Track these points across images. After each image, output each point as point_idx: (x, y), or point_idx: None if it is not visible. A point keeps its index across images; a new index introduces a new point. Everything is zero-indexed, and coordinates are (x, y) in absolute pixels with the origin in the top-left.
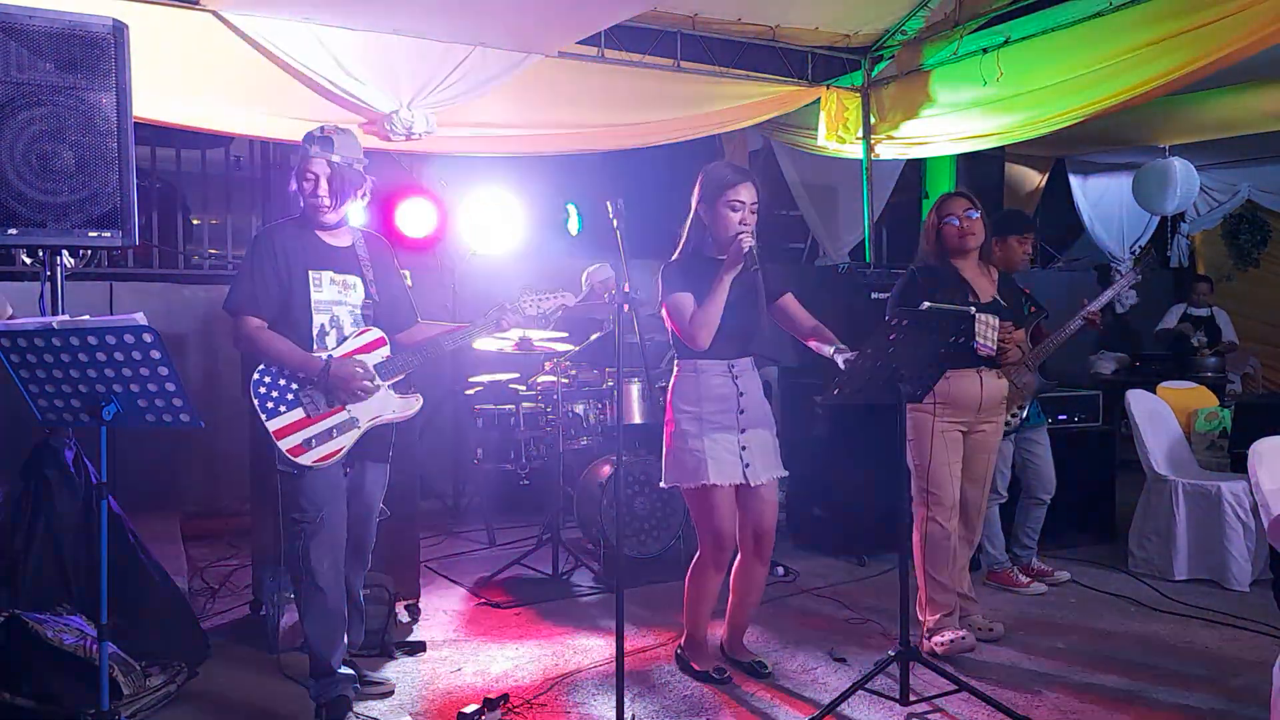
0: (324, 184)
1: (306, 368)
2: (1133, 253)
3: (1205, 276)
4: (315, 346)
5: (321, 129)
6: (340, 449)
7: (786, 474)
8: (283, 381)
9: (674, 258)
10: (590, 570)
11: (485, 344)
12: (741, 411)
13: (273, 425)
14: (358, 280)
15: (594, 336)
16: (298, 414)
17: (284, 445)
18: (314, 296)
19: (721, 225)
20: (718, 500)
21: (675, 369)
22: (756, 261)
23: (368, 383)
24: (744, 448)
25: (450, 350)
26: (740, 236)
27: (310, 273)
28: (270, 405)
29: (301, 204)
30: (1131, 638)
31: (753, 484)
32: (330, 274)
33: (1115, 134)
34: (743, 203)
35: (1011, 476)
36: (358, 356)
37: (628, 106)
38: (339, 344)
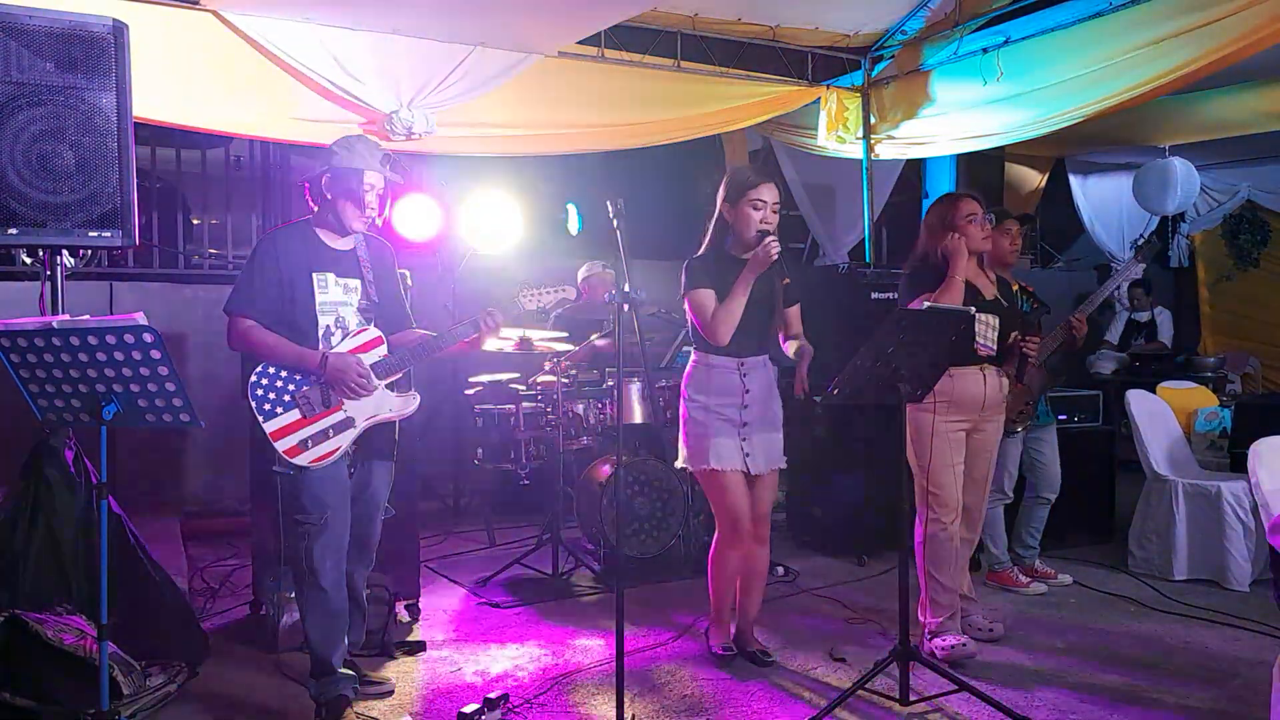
0: (376, 199)
1: (303, 362)
2: (1134, 246)
3: (1142, 281)
4: (321, 346)
5: (377, 142)
6: (337, 448)
7: (785, 464)
8: (279, 383)
9: (698, 254)
10: (590, 570)
11: (486, 344)
12: (745, 407)
13: (270, 427)
14: (359, 282)
15: (593, 336)
16: (294, 415)
17: (280, 446)
18: (319, 298)
19: (744, 224)
20: (727, 481)
21: (692, 357)
22: (785, 273)
23: (364, 380)
24: (744, 440)
25: (443, 353)
26: (768, 242)
27: (315, 275)
28: (267, 407)
29: (340, 214)
30: (1131, 638)
31: (753, 472)
32: (333, 276)
33: (1115, 134)
34: (764, 202)
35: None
36: (356, 355)
37: (628, 106)
38: (342, 342)
